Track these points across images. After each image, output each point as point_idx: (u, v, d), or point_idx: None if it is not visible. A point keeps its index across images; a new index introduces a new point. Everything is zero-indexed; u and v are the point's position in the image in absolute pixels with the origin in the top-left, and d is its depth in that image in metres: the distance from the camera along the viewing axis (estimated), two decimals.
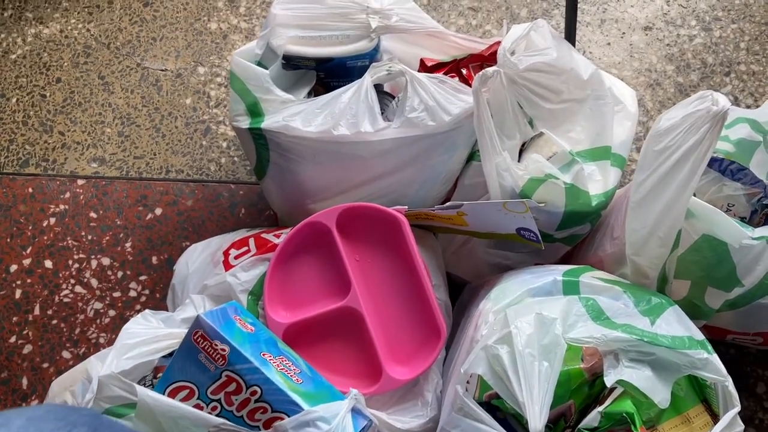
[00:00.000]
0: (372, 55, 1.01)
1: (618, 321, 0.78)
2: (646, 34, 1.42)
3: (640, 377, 0.73)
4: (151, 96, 1.37)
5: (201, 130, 1.34)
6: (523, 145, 0.96)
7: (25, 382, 1.12)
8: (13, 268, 1.21)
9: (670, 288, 0.89)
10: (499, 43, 0.95)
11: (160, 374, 0.84)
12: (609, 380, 0.73)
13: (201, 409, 0.77)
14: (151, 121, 1.34)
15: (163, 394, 0.78)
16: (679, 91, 1.36)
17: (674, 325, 0.78)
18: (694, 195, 0.84)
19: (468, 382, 0.78)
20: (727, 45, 1.40)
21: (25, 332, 1.16)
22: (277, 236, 0.97)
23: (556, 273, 0.85)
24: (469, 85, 0.92)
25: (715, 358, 0.75)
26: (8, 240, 1.23)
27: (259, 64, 0.97)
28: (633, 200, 0.85)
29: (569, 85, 0.93)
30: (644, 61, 1.39)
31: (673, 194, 0.80)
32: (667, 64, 1.39)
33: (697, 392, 0.79)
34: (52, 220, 1.25)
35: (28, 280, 1.20)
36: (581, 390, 0.76)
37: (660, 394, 0.73)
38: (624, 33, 1.42)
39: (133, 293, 1.19)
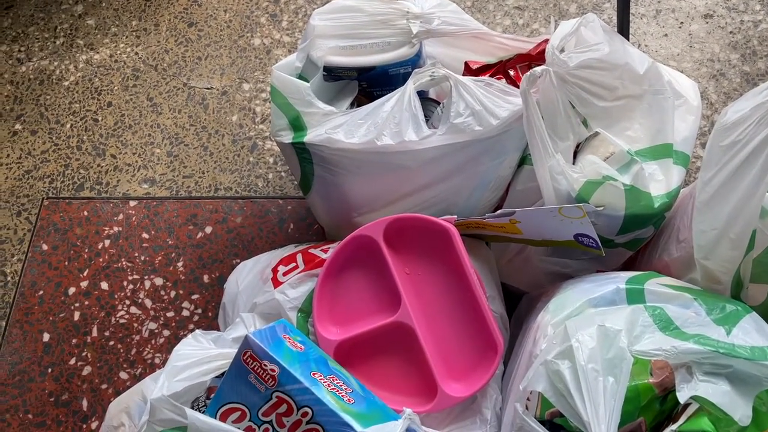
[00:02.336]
0: (414, 62, 0.98)
1: (689, 331, 0.72)
2: (707, 23, 1.34)
3: (717, 392, 0.67)
4: (198, 115, 1.38)
5: (248, 147, 1.34)
6: (577, 147, 0.92)
7: (85, 403, 1.14)
8: (72, 290, 1.23)
9: (746, 293, 0.83)
10: (547, 41, 0.91)
11: (212, 395, 0.83)
12: (682, 396, 0.68)
13: (252, 431, 0.76)
14: (199, 139, 1.35)
15: (215, 416, 0.77)
16: (746, 81, 1.28)
17: (753, 334, 0.72)
18: None
19: (528, 400, 0.74)
20: None
21: (84, 354, 1.18)
22: (325, 251, 0.95)
23: (618, 281, 0.80)
24: (517, 87, 0.88)
25: None
26: (66, 263, 1.25)
27: (300, 77, 0.96)
28: (700, 200, 0.80)
29: (624, 80, 0.88)
30: (706, 51, 1.32)
31: (744, 192, 0.74)
32: (731, 52, 1.31)
33: None
34: (107, 242, 1.27)
35: (86, 302, 1.22)
36: (652, 406, 0.71)
37: (740, 410, 0.67)
38: (682, 23, 1.35)
39: (186, 313, 1.20)
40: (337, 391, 0.77)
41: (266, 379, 0.76)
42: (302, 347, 0.82)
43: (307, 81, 0.94)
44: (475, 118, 0.88)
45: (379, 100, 0.91)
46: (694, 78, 1.28)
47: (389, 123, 0.89)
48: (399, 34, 0.96)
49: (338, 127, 0.91)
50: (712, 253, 0.81)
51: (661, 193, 0.87)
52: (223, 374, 0.83)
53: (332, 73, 0.99)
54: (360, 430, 0.73)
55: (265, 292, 0.95)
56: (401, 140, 0.89)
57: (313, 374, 0.77)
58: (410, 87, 0.90)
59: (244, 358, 0.77)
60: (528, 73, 0.84)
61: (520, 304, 1.04)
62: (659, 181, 0.88)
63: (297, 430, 0.75)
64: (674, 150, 0.89)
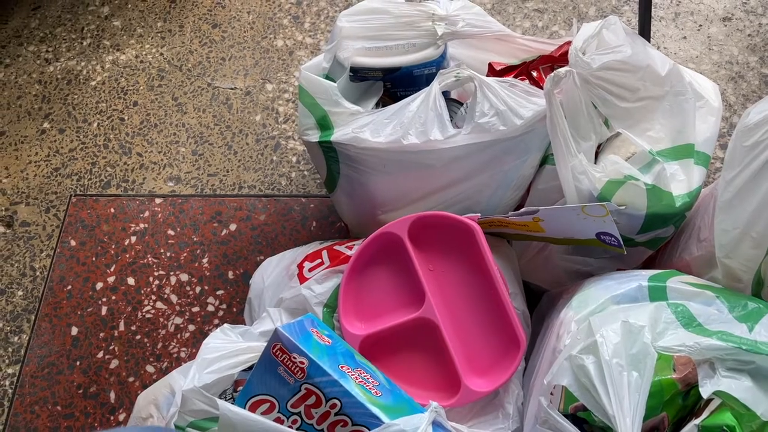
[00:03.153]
0: (439, 63, 1.00)
1: (712, 328, 0.73)
2: (725, 25, 1.35)
3: (740, 388, 0.68)
4: (222, 114, 1.40)
5: (271, 146, 1.36)
6: (599, 147, 0.93)
7: (112, 396, 1.16)
8: (99, 285, 1.26)
9: (766, 292, 0.84)
10: (569, 43, 0.93)
11: (240, 387, 0.85)
12: (705, 391, 0.69)
13: (281, 422, 0.78)
14: (223, 138, 1.38)
15: (244, 407, 0.79)
16: (764, 83, 1.29)
17: None
18: None
19: (552, 394, 0.75)
20: None
21: (111, 348, 1.20)
22: (350, 248, 0.97)
23: (641, 278, 0.81)
24: (540, 88, 0.90)
25: None
26: (94, 259, 1.28)
27: (327, 77, 0.97)
28: (722, 199, 0.81)
29: (646, 82, 0.89)
30: (724, 53, 1.32)
31: (767, 191, 0.75)
32: (750, 55, 1.31)
33: None
34: (133, 239, 1.29)
35: (113, 297, 1.24)
36: (675, 401, 0.72)
37: (763, 405, 0.68)
38: (701, 25, 1.36)
39: (211, 308, 1.22)
40: (365, 383, 0.79)
41: (295, 371, 0.78)
42: (330, 341, 0.83)
43: (334, 81, 0.96)
44: (499, 117, 0.89)
45: (404, 100, 0.93)
46: (713, 80, 1.29)
47: (415, 122, 0.91)
48: (424, 36, 0.98)
49: (364, 127, 0.93)
50: (734, 251, 0.82)
51: (683, 193, 0.88)
52: (251, 367, 0.85)
53: (358, 74, 1.01)
54: (387, 422, 0.74)
55: (291, 288, 0.97)
56: (427, 139, 0.90)
57: (341, 367, 0.79)
58: (435, 87, 0.92)
59: (274, 350, 0.78)
60: (552, 74, 0.85)
61: (541, 302, 1.06)
62: (680, 180, 0.89)
63: (325, 421, 0.77)
64: (695, 150, 0.90)
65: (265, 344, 0.79)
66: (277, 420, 0.78)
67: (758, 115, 0.76)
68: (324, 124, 0.95)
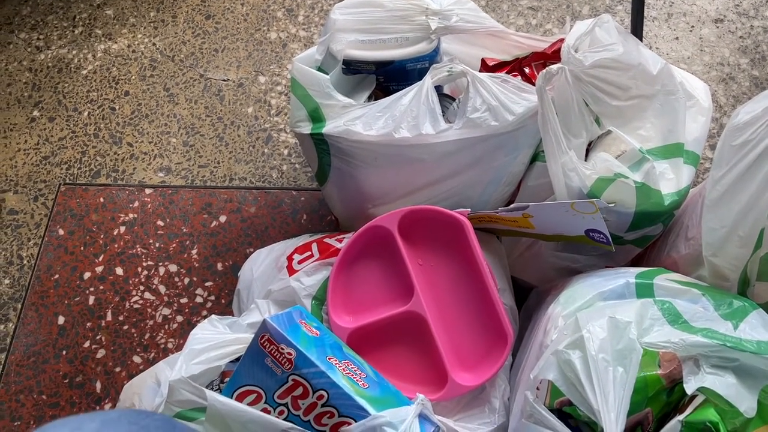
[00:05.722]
0: (432, 57, 1.00)
1: (697, 325, 0.74)
2: (717, 27, 1.36)
3: (724, 384, 0.69)
4: (214, 106, 1.40)
5: (263, 138, 1.36)
6: (589, 144, 0.93)
7: (98, 385, 1.16)
8: (87, 275, 1.25)
9: (752, 291, 0.84)
10: (562, 40, 0.93)
11: (227, 379, 0.85)
12: (689, 387, 0.69)
13: (268, 413, 0.78)
14: (215, 130, 1.37)
15: (231, 398, 0.79)
16: (754, 85, 1.30)
17: (759, 329, 0.73)
18: None
19: (538, 389, 0.76)
20: None
21: (98, 337, 1.20)
22: (340, 241, 0.97)
23: (628, 275, 0.82)
24: (533, 84, 0.90)
25: None
26: (82, 248, 1.27)
27: (320, 69, 0.97)
28: (710, 198, 0.81)
29: (637, 80, 0.90)
30: (716, 54, 1.33)
31: (754, 191, 0.76)
32: (741, 57, 1.32)
33: None
34: (122, 229, 1.29)
35: (101, 287, 1.24)
36: (659, 397, 0.72)
37: (746, 402, 0.69)
38: (693, 26, 1.37)
39: (199, 299, 1.22)
40: (352, 375, 0.79)
41: (283, 362, 0.78)
42: (318, 333, 0.83)
43: (327, 74, 0.96)
44: (491, 113, 0.89)
45: (397, 93, 0.93)
46: (704, 81, 1.30)
47: (407, 116, 0.91)
48: (417, 30, 0.98)
49: (357, 119, 0.93)
50: (721, 250, 0.83)
51: (671, 191, 0.88)
52: (238, 359, 0.85)
53: (351, 67, 1.01)
54: (374, 414, 0.75)
55: (280, 280, 0.97)
56: (418, 133, 0.90)
57: (329, 359, 0.79)
58: (428, 81, 0.92)
59: (262, 341, 0.78)
60: (544, 70, 0.85)
61: (529, 298, 1.06)
62: (669, 179, 0.89)
63: (312, 412, 0.77)
64: (685, 150, 0.91)
65: (253, 335, 0.79)
66: (264, 411, 0.78)
67: (747, 115, 0.76)
68: (316, 116, 0.95)
